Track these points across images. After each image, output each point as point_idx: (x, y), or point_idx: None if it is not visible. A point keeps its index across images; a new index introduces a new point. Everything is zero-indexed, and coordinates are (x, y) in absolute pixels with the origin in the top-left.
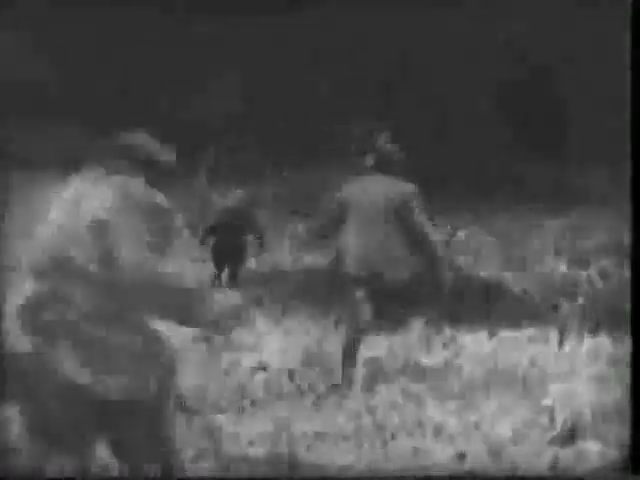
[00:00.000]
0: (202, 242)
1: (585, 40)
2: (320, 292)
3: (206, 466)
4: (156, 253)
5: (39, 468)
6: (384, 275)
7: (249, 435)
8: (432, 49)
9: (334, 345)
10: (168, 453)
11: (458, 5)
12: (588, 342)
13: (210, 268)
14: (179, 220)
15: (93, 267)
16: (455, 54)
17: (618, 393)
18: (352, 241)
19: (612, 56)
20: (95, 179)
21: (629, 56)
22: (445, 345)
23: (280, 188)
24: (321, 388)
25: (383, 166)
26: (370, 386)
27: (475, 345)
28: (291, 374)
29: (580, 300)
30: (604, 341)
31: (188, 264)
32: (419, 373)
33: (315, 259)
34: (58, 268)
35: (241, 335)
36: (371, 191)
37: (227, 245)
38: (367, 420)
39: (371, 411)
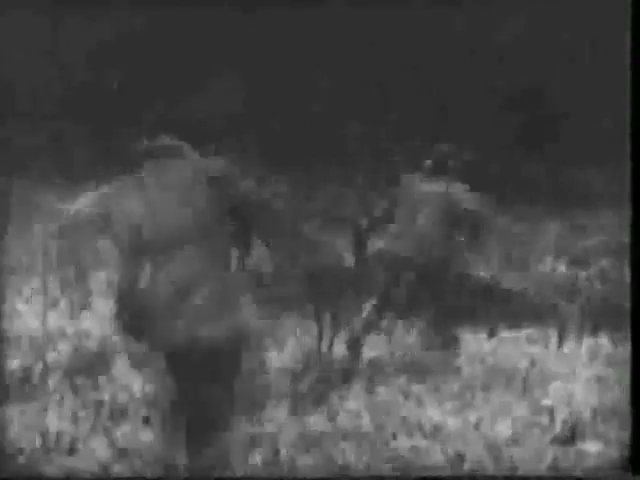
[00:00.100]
0: None
1: (585, 40)
2: (321, 291)
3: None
4: None
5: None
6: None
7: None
8: (435, 48)
9: (334, 345)
10: None
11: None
12: (588, 342)
13: None
14: None
15: None
16: (456, 54)
17: (618, 393)
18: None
19: (612, 56)
20: None
21: (629, 56)
22: (445, 345)
23: (280, 188)
24: (321, 388)
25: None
26: (370, 386)
27: (475, 345)
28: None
29: (580, 300)
30: (604, 341)
31: None
32: (419, 373)
33: (315, 259)
34: None
35: None
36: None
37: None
38: (367, 420)
39: (371, 411)
